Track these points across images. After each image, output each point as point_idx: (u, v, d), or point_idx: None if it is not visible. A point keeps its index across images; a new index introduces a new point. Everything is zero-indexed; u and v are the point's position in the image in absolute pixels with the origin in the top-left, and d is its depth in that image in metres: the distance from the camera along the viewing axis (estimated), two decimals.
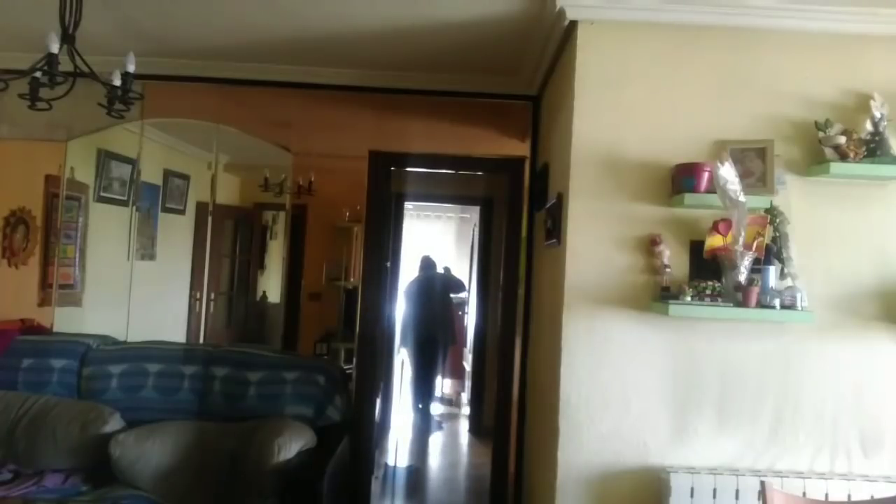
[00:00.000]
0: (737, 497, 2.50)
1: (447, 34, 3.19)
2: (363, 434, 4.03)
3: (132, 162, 4.36)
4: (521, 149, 3.98)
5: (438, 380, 7.08)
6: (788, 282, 2.51)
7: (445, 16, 2.98)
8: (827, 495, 2.49)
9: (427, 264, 6.76)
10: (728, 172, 2.39)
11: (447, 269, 7.03)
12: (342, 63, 3.73)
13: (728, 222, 2.45)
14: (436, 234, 8.55)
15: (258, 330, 4.98)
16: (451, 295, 6.84)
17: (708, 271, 2.54)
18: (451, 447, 6.07)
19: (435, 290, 6.59)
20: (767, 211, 2.51)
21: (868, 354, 2.61)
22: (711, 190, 2.45)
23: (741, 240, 2.40)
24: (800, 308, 2.44)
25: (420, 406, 6.68)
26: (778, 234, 2.52)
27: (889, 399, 2.60)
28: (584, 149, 2.65)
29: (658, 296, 2.56)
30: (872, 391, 2.60)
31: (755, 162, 2.57)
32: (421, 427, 6.29)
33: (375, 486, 4.66)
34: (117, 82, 2.47)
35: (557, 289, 2.73)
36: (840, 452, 2.59)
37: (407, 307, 6.53)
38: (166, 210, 4.65)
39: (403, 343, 6.63)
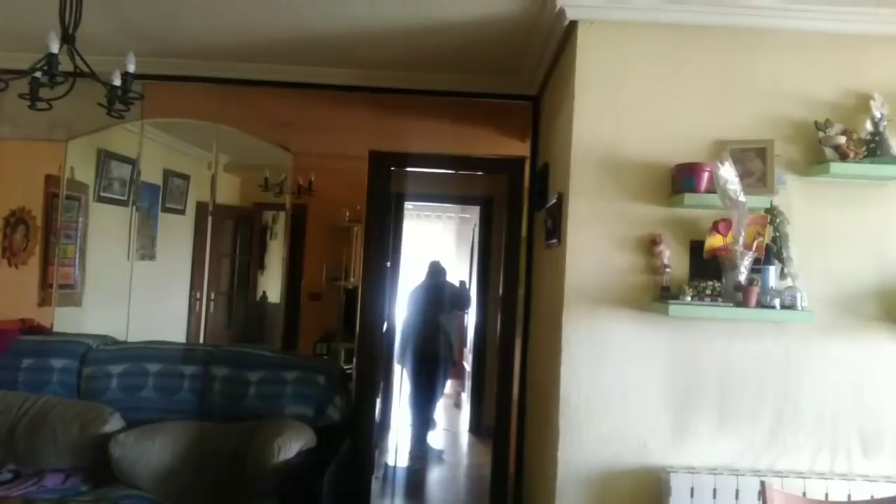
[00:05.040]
0: (737, 497, 2.50)
1: (447, 34, 3.18)
2: (363, 434, 4.03)
3: (132, 162, 4.37)
4: (521, 149, 3.98)
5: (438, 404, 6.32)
6: (788, 282, 2.51)
7: (445, 16, 2.98)
8: (827, 495, 2.49)
9: (435, 270, 6.19)
10: (728, 172, 2.38)
11: (462, 283, 6.52)
12: (342, 63, 3.73)
13: (728, 222, 2.45)
14: (436, 234, 8.53)
15: (258, 330, 4.98)
16: (458, 311, 6.26)
17: (708, 271, 2.53)
18: (451, 447, 6.07)
19: (442, 300, 6.07)
20: (767, 211, 2.51)
21: (868, 354, 2.60)
22: (711, 190, 2.45)
23: (741, 240, 2.40)
24: (800, 308, 2.43)
25: (418, 433, 6.00)
26: (778, 234, 2.51)
27: (889, 399, 2.60)
28: (584, 149, 2.65)
29: (658, 296, 2.55)
30: (872, 391, 2.60)
31: (755, 162, 2.57)
32: (418, 455, 5.71)
33: (375, 486, 4.66)
34: (117, 82, 2.47)
35: (557, 289, 2.73)
36: (840, 452, 2.59)
37: (408, 315, 6.04)
38: (166, 210, 4.65)
39: (401, 357, 6.07)
